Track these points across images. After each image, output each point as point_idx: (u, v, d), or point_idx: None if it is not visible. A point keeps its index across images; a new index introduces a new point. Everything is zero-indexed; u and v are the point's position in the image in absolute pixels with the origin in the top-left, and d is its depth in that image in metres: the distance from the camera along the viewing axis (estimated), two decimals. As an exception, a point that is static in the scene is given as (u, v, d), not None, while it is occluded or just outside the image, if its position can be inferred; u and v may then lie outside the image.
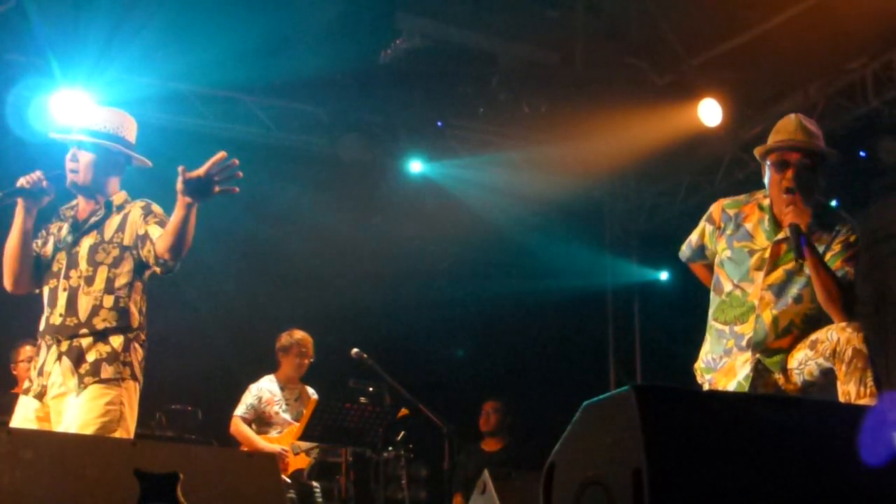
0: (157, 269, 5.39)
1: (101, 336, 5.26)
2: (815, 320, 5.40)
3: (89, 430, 5.01)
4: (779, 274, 5.47)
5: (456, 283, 11.89)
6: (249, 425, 9.33)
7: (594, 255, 13.43)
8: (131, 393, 5.27)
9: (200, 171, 5.01)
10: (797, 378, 5.31)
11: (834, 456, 3.30)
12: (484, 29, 10.34)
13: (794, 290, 5.43)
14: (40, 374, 5.29)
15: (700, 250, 5.86)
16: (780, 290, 5.44)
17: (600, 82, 11.25)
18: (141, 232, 5.40)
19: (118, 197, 5.59)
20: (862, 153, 10.76)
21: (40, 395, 5.25)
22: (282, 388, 9.51)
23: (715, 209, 5.71)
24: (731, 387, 5.45)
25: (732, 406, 3.44)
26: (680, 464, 2.99)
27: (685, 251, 5.97)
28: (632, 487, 2.94)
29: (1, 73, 10.23)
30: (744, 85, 11.39)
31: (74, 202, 5.64)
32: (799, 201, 5.27)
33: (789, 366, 5.34)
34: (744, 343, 5.46)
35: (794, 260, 5.35)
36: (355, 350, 9.14)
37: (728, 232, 5.62)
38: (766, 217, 5.52)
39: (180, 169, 5.02)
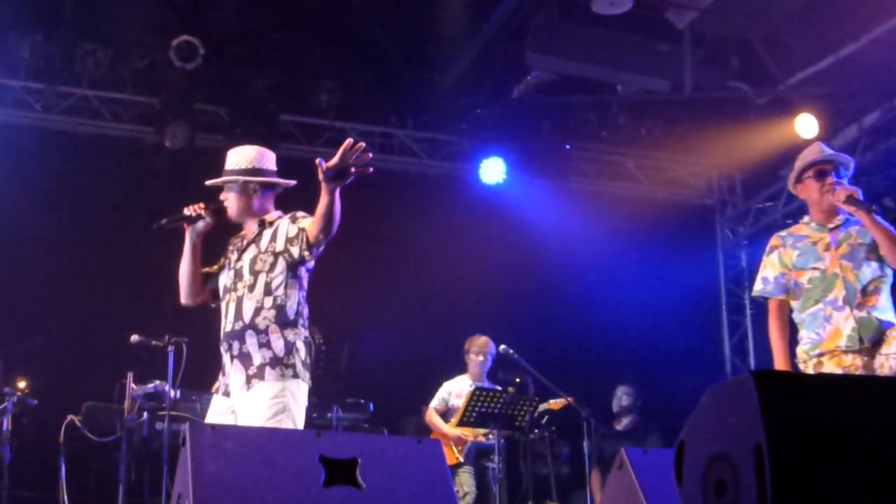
0: (307, 254, 5.34)
1: (264, 336, 5.27)
2: (886, 282, 5.55)
3: (258, 422, 5.07)
4: (844, 248, 5.59)
5: (588, 282, 11.82)
6: (442, 416, 9.49)
7: (709, 255, 13.28)
8: (294, 389, 5.24)
9: (335, 159, 4.97)
10: (893, 362, 5.21)
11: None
12: (604, 63, 10.31)
13: (861, 255, 5.54)
14: (223, 374, 5.39)
15: (780, 277, 5.73)
16: (850, 257, 5.55)
17: (707, 104, 11.17)
18: (293, 233, 5.37)
19: (271, 216, 5.58)
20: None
21: (227, 393, 5.33)
22: (471, 385, 9.55)
23: (772, 241, 5.90)
24: (841, 343, 5.35)
25: (842, 386, 3.38)
26: (796, 439, 2.94)
27: (763, 288, 5.82)
28: (754, 461, 2.91)
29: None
30: (836, 100, 11.16)
31: (243, 231, 5.65)
32: (843, 187, 5.63)
33: (886, 350, 5.23)
34: (840, 303, 5.46)
35: (851, 237, 5.61)
36: (503, 346, 9.20)
37: (789, 242, 5.79)
38: (812, 223, 5.77)
39: (317, 161, 5.00)
